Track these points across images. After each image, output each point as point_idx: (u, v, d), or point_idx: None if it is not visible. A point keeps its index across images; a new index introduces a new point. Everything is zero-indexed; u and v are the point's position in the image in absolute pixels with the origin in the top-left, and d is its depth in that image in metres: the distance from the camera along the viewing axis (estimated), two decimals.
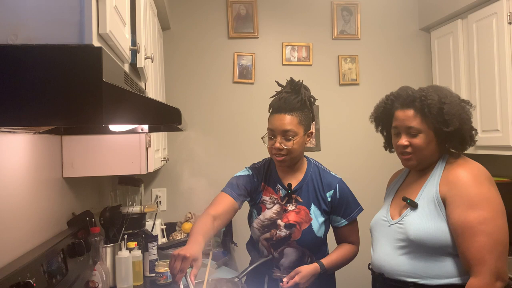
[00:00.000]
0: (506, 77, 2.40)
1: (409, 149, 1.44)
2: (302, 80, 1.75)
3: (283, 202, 1.75)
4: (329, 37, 3.17)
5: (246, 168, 1.87)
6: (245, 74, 3.07)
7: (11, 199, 1.29)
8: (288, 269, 1.71)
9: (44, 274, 1.32)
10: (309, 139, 1.77)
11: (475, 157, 1.55)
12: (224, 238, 2.77)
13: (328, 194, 1.74)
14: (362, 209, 1.80)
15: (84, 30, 0.82)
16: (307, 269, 1.65)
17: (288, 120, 1.68)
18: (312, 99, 1.77)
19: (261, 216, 1.76)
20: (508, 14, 2.38)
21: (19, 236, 1.34)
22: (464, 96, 2.67)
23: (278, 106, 1.71)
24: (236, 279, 1.67)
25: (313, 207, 1.74)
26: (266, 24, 3.11)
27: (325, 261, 1.71)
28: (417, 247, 1.38)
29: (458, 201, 1.33)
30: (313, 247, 1.75)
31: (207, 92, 3.03)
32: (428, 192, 1.42)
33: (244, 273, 1.73)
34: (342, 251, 1.78)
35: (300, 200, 1.74)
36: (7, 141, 1.28)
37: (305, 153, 1.82)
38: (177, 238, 2.63)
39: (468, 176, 1.36)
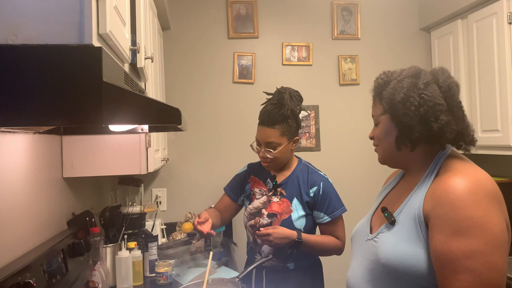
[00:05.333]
0: (506, 77, 2.40)
1: (374, 142, 1.25)
2: (288, 91, 1.83)
3: (270, 194, 1.89)
4: (329, 37, 3.17)
5: (246, 164, 2.06)
6: (245, 74, 3.07)
7: (11, 199, 1.29)
8: (268, 256, 1.81)
9: (44, 274, 1.32)
10: (295, 145, 1.90)
11: (475, 158, 1.35)
12: (224, 238, 2.77)
13: (311, 190, 1.84)
14: (346, 210, 1.87)
15: (84, 30, 0.82)
16: (284, 229, 1.75)
17: (270, 133, 1.80)
18: (298, 107, 1.86)
19: (250, 206, 1.92)
20: (508, 14, 2.38)
21: (19, 236, 1.34)
22: (464, 96, 2.67)
23: (263, 119, 1.84)
24: (236, 279, 1.68)
25: (295, 200, 1.85)
26: (266, 24, 3.11)
27: (305, 235, 1.78)
28: (386, 274, 1.10)
29: (441, 224, 1.00)
30: None
31: (207, 92, 3.03)
32: (411, 206, 1.10)
33: (244, 273, 1.75)
34: (324, 237, 1.86)
35: (284, 194, 1.87)
36: (7, 141, 1.28)
37: (305, 153, 1.83)
38: (177, 238, 2.62)
39: (460, 190, 0.99)
